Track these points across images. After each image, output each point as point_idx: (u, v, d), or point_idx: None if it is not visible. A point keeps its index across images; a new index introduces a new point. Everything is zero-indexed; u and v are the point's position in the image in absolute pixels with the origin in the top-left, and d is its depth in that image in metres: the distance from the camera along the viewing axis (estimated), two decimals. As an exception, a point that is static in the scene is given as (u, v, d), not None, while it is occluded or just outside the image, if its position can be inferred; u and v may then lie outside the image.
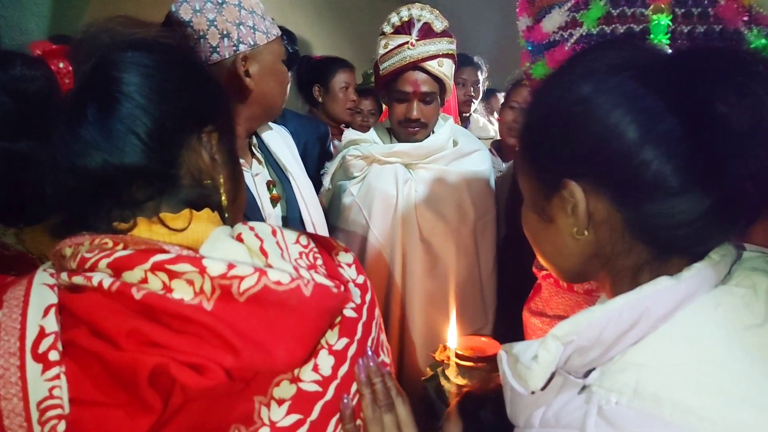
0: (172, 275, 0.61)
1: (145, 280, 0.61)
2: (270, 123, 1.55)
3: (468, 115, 3.10)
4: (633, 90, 0.62)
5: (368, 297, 0.77)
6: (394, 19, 1.74)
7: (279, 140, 1.54)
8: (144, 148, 0.67)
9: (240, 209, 0.84)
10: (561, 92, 0.68)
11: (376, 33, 1.77)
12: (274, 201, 1.43)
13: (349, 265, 0.78)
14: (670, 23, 0.98)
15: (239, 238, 0.68)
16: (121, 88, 0.68)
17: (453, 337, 1.28)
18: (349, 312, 0.73)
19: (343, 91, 2.68)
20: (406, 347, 1.73)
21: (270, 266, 0.64)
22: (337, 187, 1.83)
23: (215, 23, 1.23)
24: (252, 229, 0.70)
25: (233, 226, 0.72)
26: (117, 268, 0.62)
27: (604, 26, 1.03)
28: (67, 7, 2.26)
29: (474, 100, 3.08)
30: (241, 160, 1.39)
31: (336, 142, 1.93)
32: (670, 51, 0.86)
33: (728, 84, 0.57)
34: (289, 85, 2.10)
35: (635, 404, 0.58)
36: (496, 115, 3.36)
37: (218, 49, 1.24)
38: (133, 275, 0.61)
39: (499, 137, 2.94)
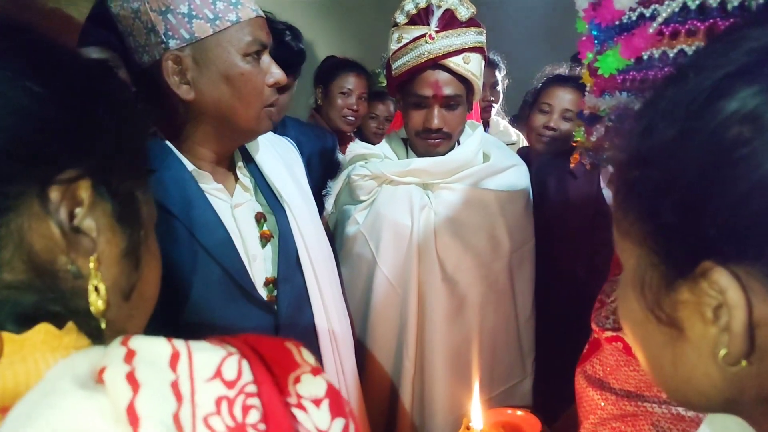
0: None
1: None
2: (265, 134, 1.25)
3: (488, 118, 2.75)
4: None
5: None
6: (409, 6, 1.42)
7: (275, 158, 1.23)
8: None
9: (149, 302, 0.53)
10: (708, 118, 0.37)
11: (385, 28, 1.46)
12: (264, 239, 1.12)
13: (317, 402, 0.46)
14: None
15: (101, 380, 0.38)
16: None
17: (477, 414, 0.97)
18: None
19: (343, 97, 2.37)
20: (425, 417, 1.40)
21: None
22: (342, 211, 1.52)
23: (139, 14, 0.93)
24: (130, 358, 0.39)
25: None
26: None
27: (709, -2, 0.69)
28: None
29: (494, 104, 2.73)
30: (218, 187, 1.07)
31: (340, 156, 1.61)
32: None
33: None
34: (291, 91, 1.82)
35: None
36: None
37: (147, 49, 0.94)
38: None
39: (523, 143, 2.60)
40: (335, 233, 1.53)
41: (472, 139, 1.49)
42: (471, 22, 1.40)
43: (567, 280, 1.47)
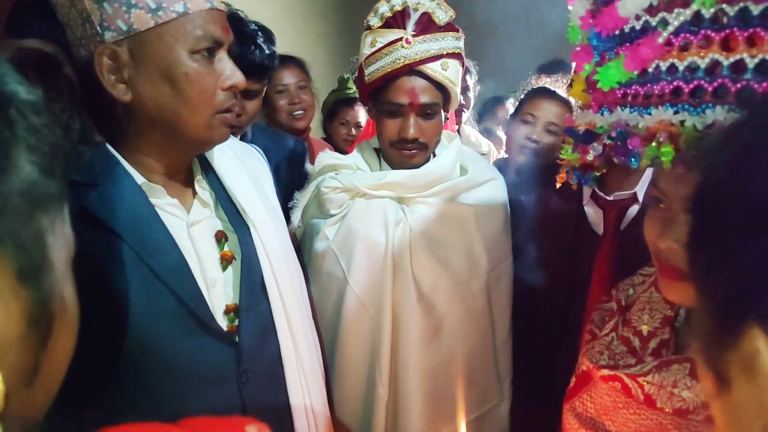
0: None
1: None
2: (229, 142, 1.13)
3: (458, 127, 2.66)
4: None
5: None
6: (384, 8, 1.33)
7: (238, 169, 1.11)
8: None
9: (58, 376, 0.41)
10: None
11: (353, 32, 1.37)
12: (225, 261, 1.00)
13: None
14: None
15: None
16: None
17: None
18: None
19: (281, 95, 2.13)
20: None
21: None
22: (310, 225, 1.41)
23: (75, 1, 0.82)
24: None
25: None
26: None
27: (724, 5, 0.62)
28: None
29: (465, 110, 2.61)
30: (172, 202, 0.95)
31: (309, 166, 1.50)
32: None
33: None
34: (257, 100, 1.69)
35: None
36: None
37: (83, 41, 0.83)
38: None
39: (495, 154, 2.54)
40: (303, 249, 1.43)
41: (449, 150, 1.41)
42: (449, 27, 1.33)
43: (546, 299, 1.40)
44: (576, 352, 1.02)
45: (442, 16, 1.31)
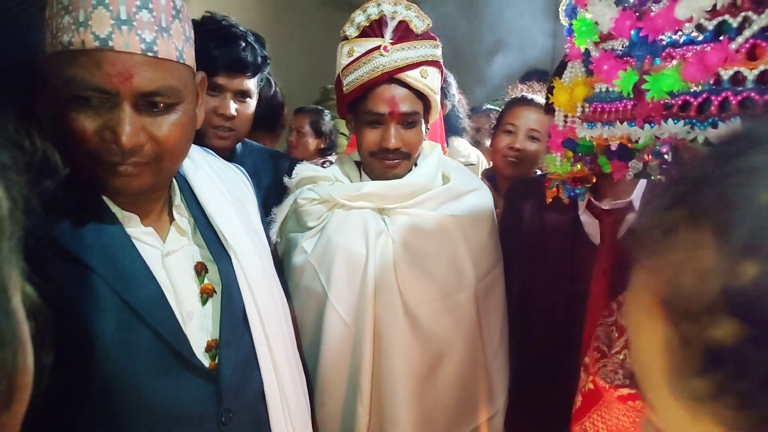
0: None
1: None
2: (212, 163, 1.07)
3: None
4: None
5: None
6: (360, 18, 1.31)
7: (220, 192, 1.02)
8: None
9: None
10: None
11: (335, 41, 1.34)
12: (205, 294, 0.93)
13: None
14: None
15: None
16: None
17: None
18: None
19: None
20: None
21: None
22: (288, 240, 1.36)
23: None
24: None
25: None
26: None
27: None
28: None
29: (460, 119, 2.63)
30: (146, 230, 0.87)
31: (286, 179, 1.45)
32: None
33: None
34: (251, 103, 1.57)
35: None
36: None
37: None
38: None
39: (484, 165, 2.54)
40: (283, 265, 1.38)
41: (430, 160, 1.39)
42: (426, 35, 1.31)
43: (545, 312, 1.37)
44: (576, 367, 0.99)
45: (420, 24, 1.30)
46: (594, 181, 1.14)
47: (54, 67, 0.76)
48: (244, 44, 1.47)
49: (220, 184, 1.04)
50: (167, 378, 0.84)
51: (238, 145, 1.61)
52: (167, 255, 0.90)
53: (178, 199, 0.96)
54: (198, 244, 0.96)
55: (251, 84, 1.54)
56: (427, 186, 1.35)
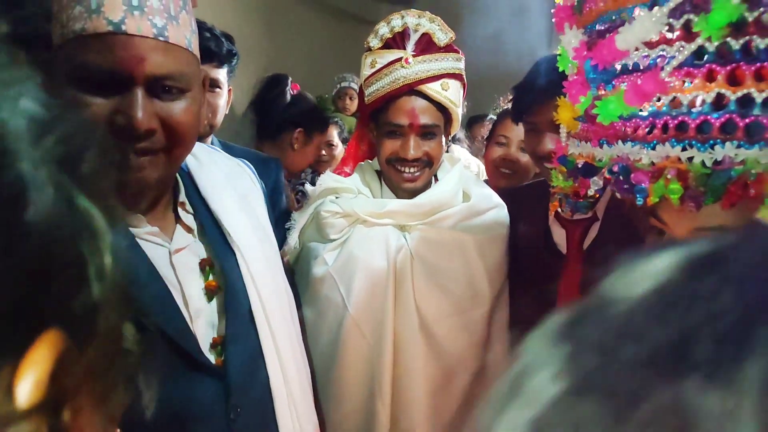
0: None
1: None
2: (217, 159, 1.09)
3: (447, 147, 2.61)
4: None
5: None
6: (384, 30, 1.32)
7: (224, 188, 1.02)
8: None
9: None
10: None
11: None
12: (210, 291, 0.94)
13: None
14: None
15: None
16: None
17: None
18: None
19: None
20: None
21: None
22: (307, 248, 1.39)
23: None
24: None
25: None
26: None
27: (729, 39, 0.61)
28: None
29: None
30: (152, 230, 0.88)
31: (309, 187, 1.48)
32: None
33: None
34: (221, 92, 1.58)
35: None
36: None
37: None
38: None
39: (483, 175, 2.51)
40: (297, 270, 1.40)
41: (451, 176, 1.38)
42: (449, 48, 1.31)
43: (522, 321, 1.38)
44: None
45: (442, 37, 1.30)
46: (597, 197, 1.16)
47: (65, 54, 0.76)
48: (208, 35, 1.53)
49: (224, 179, 1.05)
50: (176, 376, 0.85)
51: (218, 147, 1.58)
52: (175, 252, 0.91)
53: (182, 195, 0.96)
54: (203, 241, 0.96)
55: (220, 75, 1.59)
56: (448, 203, 1.34)
